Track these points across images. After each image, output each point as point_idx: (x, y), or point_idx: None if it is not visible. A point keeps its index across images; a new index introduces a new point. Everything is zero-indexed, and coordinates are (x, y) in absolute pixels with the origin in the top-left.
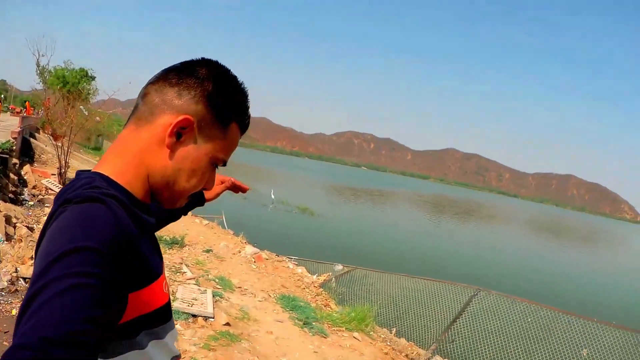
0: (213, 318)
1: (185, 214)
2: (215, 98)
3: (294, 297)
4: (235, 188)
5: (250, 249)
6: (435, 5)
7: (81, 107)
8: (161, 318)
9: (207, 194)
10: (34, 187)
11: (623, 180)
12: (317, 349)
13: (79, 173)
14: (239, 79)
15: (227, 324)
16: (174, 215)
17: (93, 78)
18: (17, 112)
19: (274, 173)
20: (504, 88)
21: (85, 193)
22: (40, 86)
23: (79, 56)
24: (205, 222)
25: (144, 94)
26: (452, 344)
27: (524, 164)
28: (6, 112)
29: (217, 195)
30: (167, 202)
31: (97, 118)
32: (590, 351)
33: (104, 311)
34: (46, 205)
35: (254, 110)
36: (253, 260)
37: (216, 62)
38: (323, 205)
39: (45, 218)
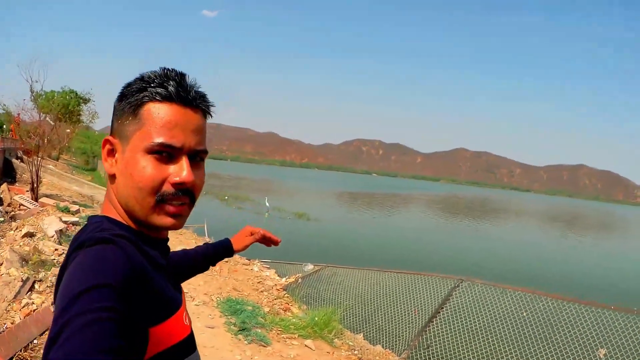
0: None
1: (214, 264)
2: (119, 99)
3: (240, 300)
4: (266, 240)
5: None
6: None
7: (69, 129)
8: (184, 351)
9: (236, 246)
10: (8, 205)
11: (634, 165)
12: None
13: (91, 218)
14: (146, 72)
15: None
16: (201, 266)
17: (87, 100)
18: None
19: (279, 184)
20: (508, 83)
21: (96, 236)
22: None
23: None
24: None
25: None
26: (428, 350)
27: (535, 158)
28: None
29: (246, 246)
30: (147, 222)
31: (67, 130)
32: (609, 350)
33: (123, 342)
34: (17, 220)
35: (262, 126)
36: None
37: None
38: (321, 211)
39: (22, 237)
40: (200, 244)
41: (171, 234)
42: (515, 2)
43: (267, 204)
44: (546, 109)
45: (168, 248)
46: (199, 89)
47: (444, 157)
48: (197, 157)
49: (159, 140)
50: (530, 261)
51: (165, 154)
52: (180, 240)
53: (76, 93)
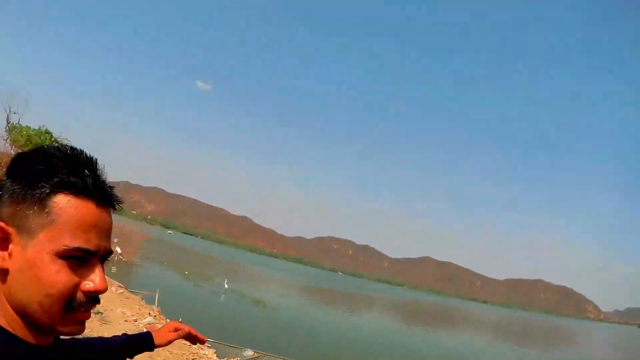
0: None
1: (131, 357)
2: (14, 175)
3: None
4: (191, 338)
5: (148, 319)
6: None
7: None
8: None
9: (157, 340)
10: None
11: (587, 280)
12: None
13: None
14: (51, 149)
15: None
16: (119, 353)
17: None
18: None
19: (244, 269)
20: (471, 196)
21: None
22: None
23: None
24: (121, 290)
25: None
26: None
27: (495, 271)
28: None
29: (169, 342)
30: (51, 329)
31: None
32: None
33: None
34: None
35: (236, 209)
36: (144, 330)
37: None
38: (280, 300)
39: None
40: (147, 312)
41: (115, 299)
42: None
43: (226, 286)
44: (508, 223)
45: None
46: (107, 179)
47: (410, 264)
48: (106, 259)
49: (75, 244)
50: None
51: (78, 258)
52: (124, 304)
53: (51, 135)
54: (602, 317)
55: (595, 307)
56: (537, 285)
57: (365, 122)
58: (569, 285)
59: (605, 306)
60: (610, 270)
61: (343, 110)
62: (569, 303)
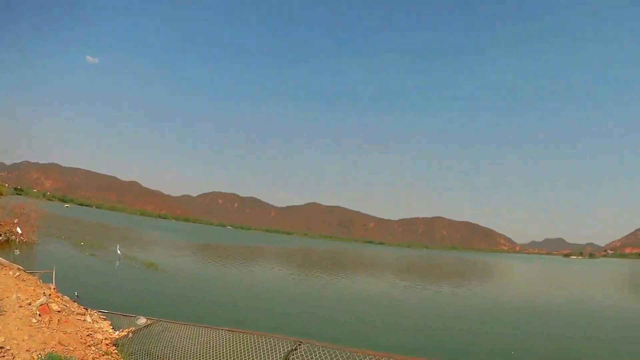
0: None
1: None
2: None
3: (65, 358)
4: None
5: (41, 300)
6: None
7: None
8: None
9: None
10: None
11: (494, 215)
12: None
13: None
14: None
15: None
16: None
17: None
18: None
19: (136, 233)
20: (352, 136)
21: None
22: None
23: None
24: (18, 273)
25: None
26: None
27: (389, 212)
28: None
29: None
30: None
31: None
32: None
33: None
34: None
35: (125, 175)
36: (38, 313)
37: None
38: (171, 262)
39: None
40: (42, 292)
41: (12, 285)
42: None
43: (119, 252)
44: (396, 164)
45: None
46: None
47: (297, 211)
48: None
49: None
50: (380, 319)
51: None
52: (19, 287)
53: None
54: (517, 249)
55: (508, 240)
56: (436, 223)
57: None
58: (472, 221)
59: (521, 239)
60: (523, 205)
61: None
62: (476, 237)
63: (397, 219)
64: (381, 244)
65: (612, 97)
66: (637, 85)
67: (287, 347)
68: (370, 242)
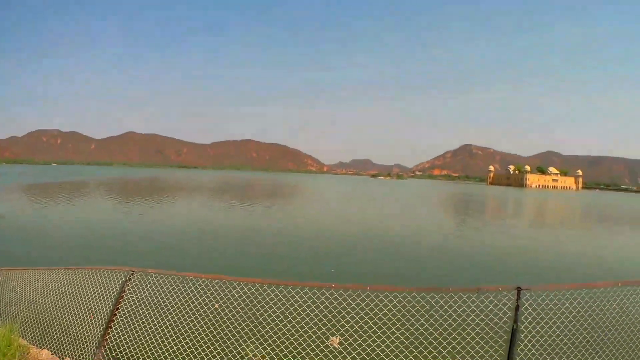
0: None
1: None
2: None
3: None
4: None
5: None
6: None
7: None
8: None
9: None
10: None
11: (301, 138)
12: None
13: None
14: None
15: None
16: None
17: None
18: None
19: None
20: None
21: None
22: None
23: None
24: None
25: None
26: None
27: (201, 137)
28: None
29: None
30: None
31: None
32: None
33: None
34: None
35: None
36: None
37: None
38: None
39: None
40: None
41: None
42: None
43: None
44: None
45: None
46: None
47: (116, 142)
48: None
49: None
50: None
51: None
52: None
53: None
54: (325, 169)
55: (316, 161)
56: (246, 145)
57: None
58: (281, 143)
59: (328, 160)
60: (329, 126)
61: None
62: (284, 159)
63: (209, 142)
64: (195, 167)
65: None
66: None
67: (122, 278)
68: (185, 166)
